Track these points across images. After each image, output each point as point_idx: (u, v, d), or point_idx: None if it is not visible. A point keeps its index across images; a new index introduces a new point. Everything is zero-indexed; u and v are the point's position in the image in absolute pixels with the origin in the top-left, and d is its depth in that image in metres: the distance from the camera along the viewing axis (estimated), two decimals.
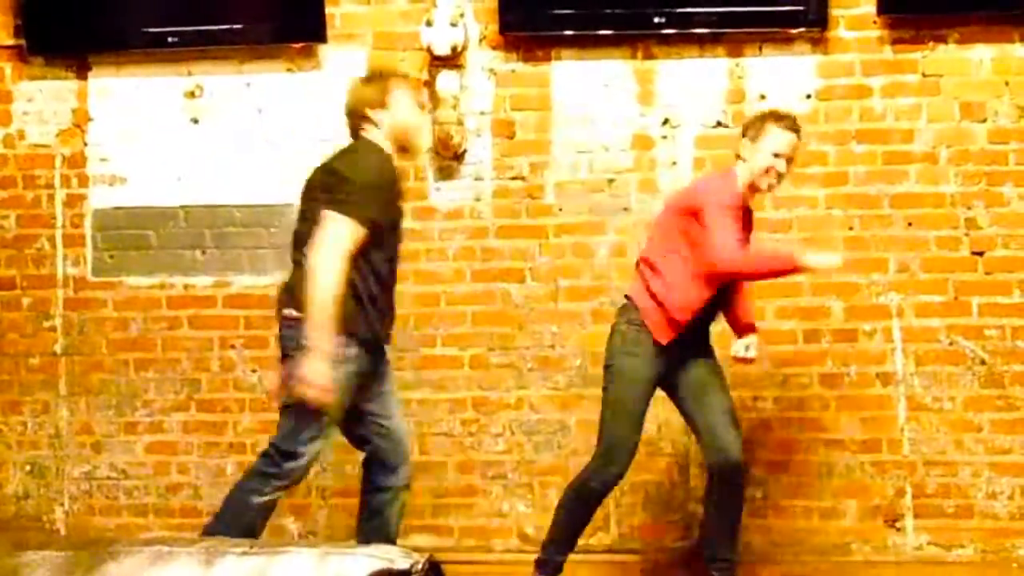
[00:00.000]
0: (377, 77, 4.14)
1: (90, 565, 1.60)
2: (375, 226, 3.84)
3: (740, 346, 4.34)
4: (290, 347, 3.85)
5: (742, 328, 4.37)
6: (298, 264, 3.90)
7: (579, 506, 4.31)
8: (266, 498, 3.91)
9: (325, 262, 3.74)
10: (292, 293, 3.88)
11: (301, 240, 3.91)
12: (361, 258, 3.84)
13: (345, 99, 4.09)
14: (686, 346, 4.20)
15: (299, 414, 3.86)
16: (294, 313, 3.83)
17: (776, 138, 4.17)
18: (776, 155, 4.16)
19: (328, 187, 3.88)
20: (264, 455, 3.96)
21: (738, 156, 4.25)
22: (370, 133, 4.01)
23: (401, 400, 4.24)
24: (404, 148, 4.09)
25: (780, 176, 4.21)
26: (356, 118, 4.03)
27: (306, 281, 3.76)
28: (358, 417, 4.07)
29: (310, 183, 4.00)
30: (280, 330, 3.95)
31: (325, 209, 3.80)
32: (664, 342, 4.15)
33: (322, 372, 3.74)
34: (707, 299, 4.15)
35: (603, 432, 4.25)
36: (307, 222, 3.89)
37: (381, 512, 4.14)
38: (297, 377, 3.77)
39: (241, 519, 3.87)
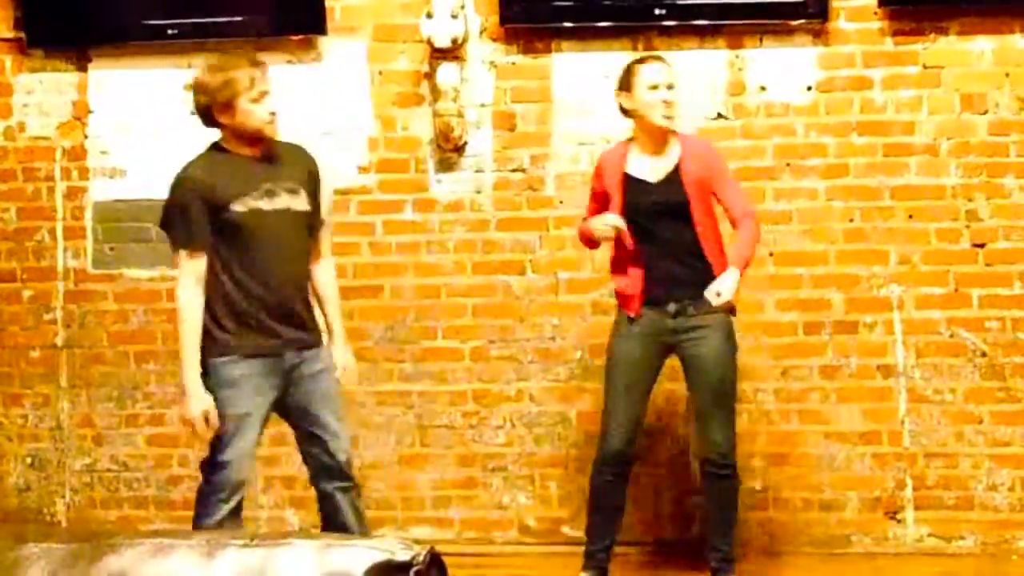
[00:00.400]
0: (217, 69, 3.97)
1: (91, 557, 1.60)
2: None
3: (710, 291, 4.09)
4: None
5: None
6: None
7: (592, 491, 4.37)
8: (219, 516, 3.88)
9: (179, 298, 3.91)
10: None
11: None
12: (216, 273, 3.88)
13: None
14: (678, 319, 4.20)
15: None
16: None
17: (643, 73, 4.25)
18: (653, 87, 4.22)
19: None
20: (203, 479, 3.97)
21: (625, 115, 4.34)
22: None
23: (339, 399, 4.13)
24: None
25: (669, 105, 4.25)
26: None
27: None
28: (287, 420, 4.08)
29: None
30: None
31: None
32: (632, 314, 4.27)
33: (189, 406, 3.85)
34: (626, 264, 4.25)
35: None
36: None
37: (327, 512, 4.08)
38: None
39: None
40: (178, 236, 3.88)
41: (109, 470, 5.27)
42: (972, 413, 4.85)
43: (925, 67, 4.84)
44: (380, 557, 1.58)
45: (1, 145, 5.29)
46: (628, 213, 4.24)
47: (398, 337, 5.10)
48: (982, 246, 4.83)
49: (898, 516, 4.89)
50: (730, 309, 4.26)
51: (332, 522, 4.02)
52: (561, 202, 5.03)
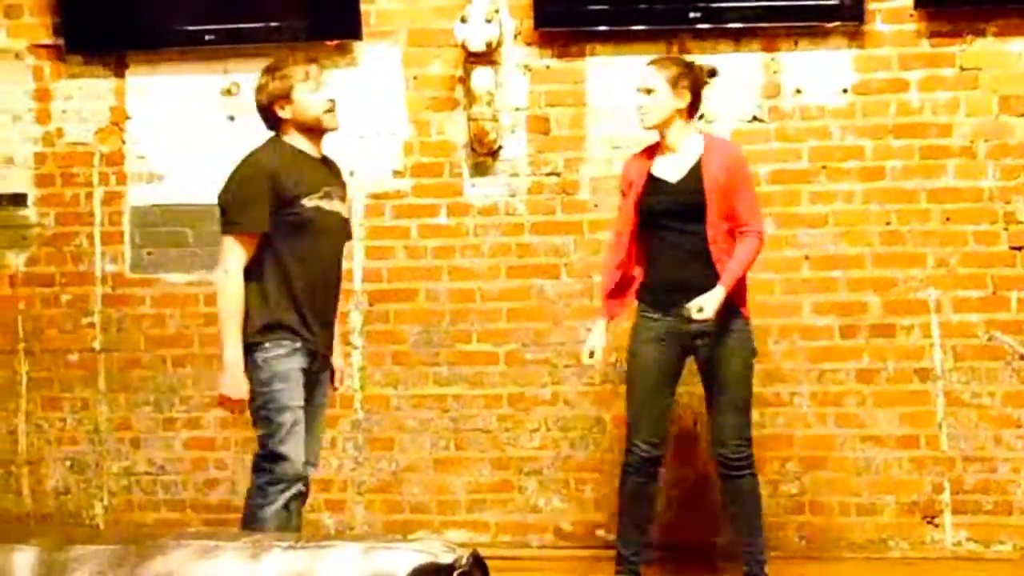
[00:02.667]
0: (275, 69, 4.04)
1: (138, 559, 1.61)
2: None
3: (693, 305, 4.09)
4: None
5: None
6: None
7: (622, 495, 4.37)
8: (277, 505, 3.89)
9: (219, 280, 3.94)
10: None
11: None
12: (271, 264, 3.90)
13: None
14: (692, 323, 4.17)
15: (262, 419, 3.91)
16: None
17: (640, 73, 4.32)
18: (647, 91, 4.25)
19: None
20: (256, 469, 3.96)
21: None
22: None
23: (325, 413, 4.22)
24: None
25: (639, 108, 4.30)
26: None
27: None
28: None
29: None
30: None
31: None
32: (608, 318, 4.39)
33: (232, 386, 3.87)
34: (618, 266, 4.31)
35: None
36: None
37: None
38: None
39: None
40: (236, 219, 3.88)
41: (147, 473, 5.30)
42: (1010, 417, 4.81)
43: (962, 69, 4.81)
44: (424, 559, 1.58)
45: (40, 151, 5.34)
46: (642, 212, 4.26)
47: (433, 341, 5.11)
48: (1020, 248, 4.80)
49: (936, 521, 4.86)
50: (737, 312, 4.24)
51: None
52: (595, 206, 5.02)
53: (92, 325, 5.32)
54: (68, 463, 5.35)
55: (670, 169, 4.28)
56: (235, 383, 3.87)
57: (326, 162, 4.08)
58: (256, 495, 3.93)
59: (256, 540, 1.62)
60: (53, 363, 5.35)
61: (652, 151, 4.35)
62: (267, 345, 3.88)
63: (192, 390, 5.26)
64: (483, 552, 1.76)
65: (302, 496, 4.01)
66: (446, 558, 1.59)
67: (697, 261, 4.20)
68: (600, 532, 5.00)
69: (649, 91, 4.25)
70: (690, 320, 4.12)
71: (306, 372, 3.95)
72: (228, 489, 5.24)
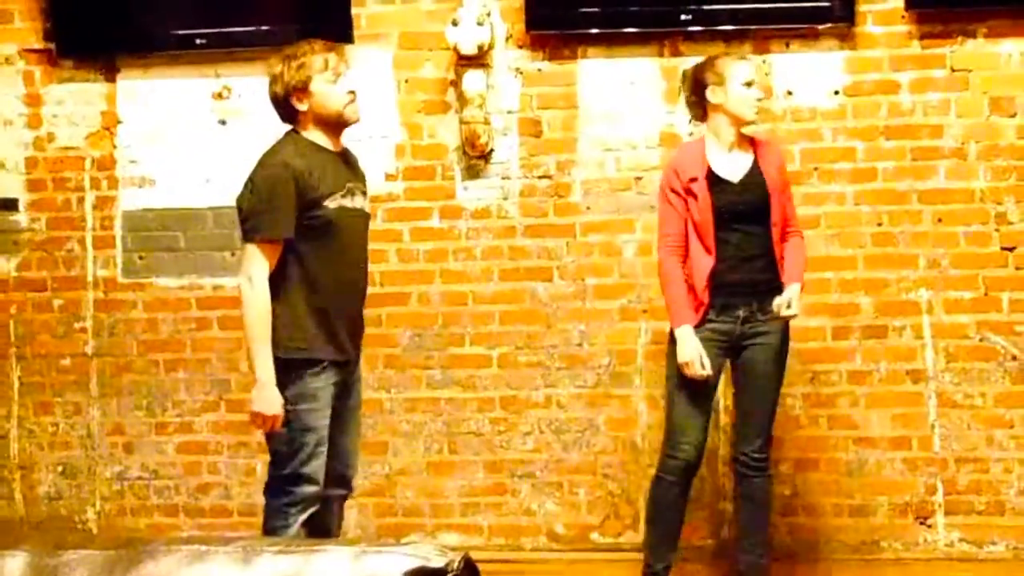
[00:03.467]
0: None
1: (129, 564, 1.61)
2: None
3: (781, 302, 4.11)
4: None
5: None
6: None
7: (655, 505, 4.28)
8: (296, 526, 3.73)
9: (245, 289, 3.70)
10: None
11: None
12: (295, 271, 3.70)
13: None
14: (744, 324, 4.16)
15: (284, 438, 3.72)
16: None
17: (737, 68, 4.21)
18: (747, 84, 4.18)
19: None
20: (272, 490, 3.77)
21: (706, 112, 4.24)
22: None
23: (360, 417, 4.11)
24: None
25: (759, 101, 4.24)
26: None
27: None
28: None
29: None
30: None
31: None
32: (694, 324, 4.11)
33: (266, 402, 3.65)
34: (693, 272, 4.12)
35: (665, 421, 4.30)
36: None
37: (316, 521, 3.85)
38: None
39: None
40: (260, 225, 3.65)
41: (140, 478, 5.29)
42: (1003, 417, 4.82)
43: (953, 70, 4.82)
44: (415, 563, 1.58)
45: (31, 155, 5.33)
46: (714, 214, 4.13)
47: (425, 344, 5.11)
48: (1012, 249, 4.81)
49: (928, 521, 4.87)
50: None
51: (318, 522, 3.86)
52: (588, 208, 5.03)
53: (84, 330, 5.32)
54: (60, 468, 5.34)
55: (729, 168, 4.21)
56: (269, 399, 3.63)
57: (346, 156, 3.88)
58: (276, 517, 3.73)
59: (247, 544, 1.62)
60: (45, 368, 5.34)
61: (697, 150, 4.25)
62: (295, 362, 3.68)
63: (184, 394, 5.25)
64: (476, 555, 1.76)
65: (342, 498, 3.93)
66: (437, 562, 1.59)
67: (762, 261, 4.18)
68: (594, 535, 5.01)
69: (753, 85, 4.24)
70: (774, 318, 4.12)
71: (337, 384, 3.79)
72: (221, 494, 5.23)
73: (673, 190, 4.18)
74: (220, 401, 5.24)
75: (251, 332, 3.63)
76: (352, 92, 3.80)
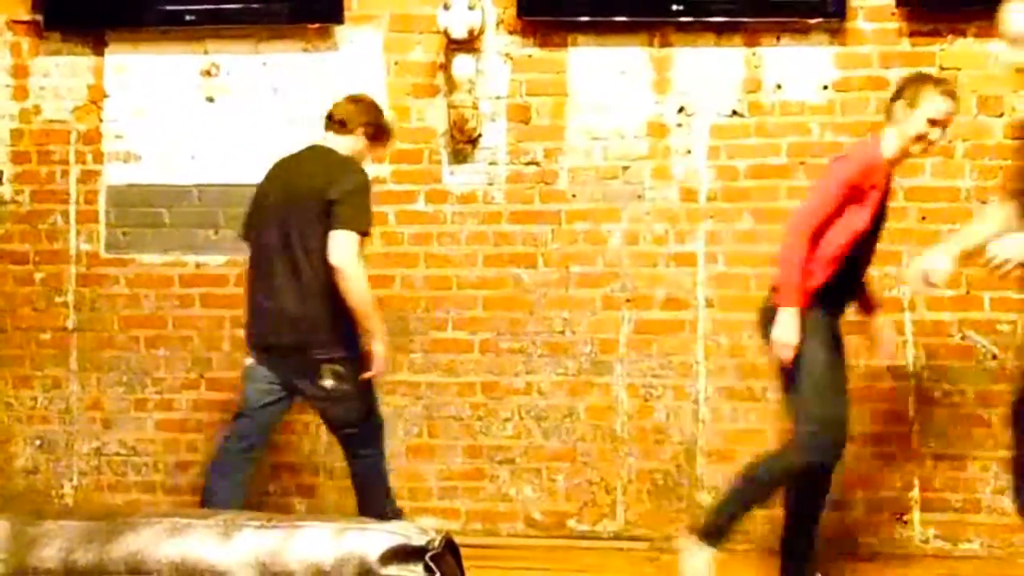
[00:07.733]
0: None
1: (108, 536, 1.60)
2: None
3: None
4: None
5: (870, 308, 4.36)
6: None
7: (806, 497, 4.21)
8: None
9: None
10: None
11: None
12: None
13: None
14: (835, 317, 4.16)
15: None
16: None
17: (935, 103, 3.98)
18: (932, 122, 3.99)
19: None
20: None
21: (887, 120, 4.08)
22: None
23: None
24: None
25: (932, 144, 4.06)
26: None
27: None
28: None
29: None
30: None
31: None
32: (823, 315, 4.07)
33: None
34: (829, 264, 4.02)
35: (807, 411, 4.10)
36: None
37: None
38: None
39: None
40: (365, 221, 4.17)
41: (118, 454, 5.28)
42: (981, 416, 4.84)
43: (942, 68, 4.83)
44: (396, 541, 1.58)
45: (16, 128, 5.30)
46: (869, 226, 4.07)
47: (408, 328, 5.11)
48: None
49: (905, 518, 4.89)
50: None
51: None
52: (574, 196, 5.03)
53: (65, 304, 5.29)
54: (38, 442, 5.32)
55: None
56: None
57: None
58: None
59: (227, 519, 1.61)
60: (25, 341, 5.31)
61: (881, 157, 4.07)
62: (348, 357, 4.18)
63: (165, 371, 5.23)
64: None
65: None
66: (419, 540, 1.59)
67: (868, 266, 4.23)
68: (571, 522, 5.02)
69: (945, 127, 4.08)
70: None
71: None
72: (199, 472, 5.20)
73: (855, 185, 3.99)
74: (201, 379, 5.22)
75: (367, 308, 4.16)
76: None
